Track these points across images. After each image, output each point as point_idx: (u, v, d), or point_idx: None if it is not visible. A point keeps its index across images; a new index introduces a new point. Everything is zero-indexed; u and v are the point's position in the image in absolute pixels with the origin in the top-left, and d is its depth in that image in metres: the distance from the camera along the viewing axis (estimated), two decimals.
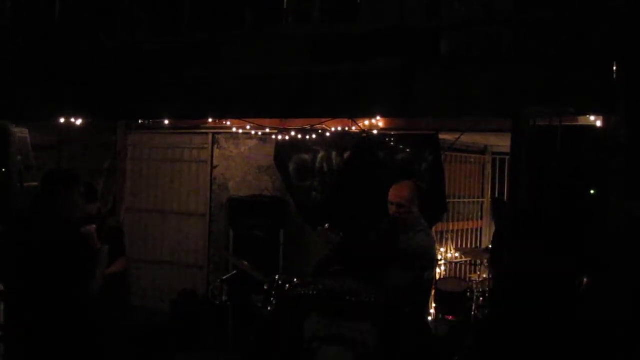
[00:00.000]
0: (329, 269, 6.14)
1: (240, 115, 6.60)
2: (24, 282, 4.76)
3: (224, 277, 7.18)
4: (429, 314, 6.97)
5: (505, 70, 4.93)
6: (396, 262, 5.24)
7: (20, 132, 6.60)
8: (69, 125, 6.83)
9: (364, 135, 7.71)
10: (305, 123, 7.83)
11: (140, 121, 8.81)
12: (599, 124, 5.15)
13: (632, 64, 4.65)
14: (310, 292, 3.63)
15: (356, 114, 6.15)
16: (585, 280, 4.96)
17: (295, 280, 6.27)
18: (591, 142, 4.89)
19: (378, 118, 7.16)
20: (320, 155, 8.02)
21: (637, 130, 4.60)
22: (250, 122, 8.03)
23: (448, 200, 8.10)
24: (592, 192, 4.77)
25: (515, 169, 5.04)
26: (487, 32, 5.05)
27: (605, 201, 4.75)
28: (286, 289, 5.84)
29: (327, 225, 5.69)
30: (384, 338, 3.41)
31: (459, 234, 8.96)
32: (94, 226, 5.16)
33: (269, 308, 6.29)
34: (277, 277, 6.42)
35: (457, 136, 7.58)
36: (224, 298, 6.92)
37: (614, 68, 4.67)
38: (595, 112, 4.86)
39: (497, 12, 5.21)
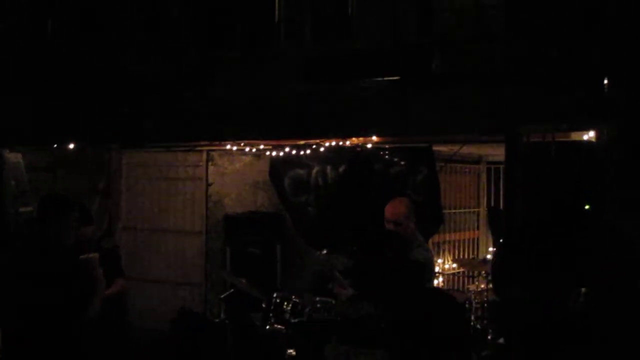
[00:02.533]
0: (327, 285, 6.15)
1: (234, 139, 6.58)
2: (20, 309, 4.75)
3: (222, 296, 7.17)
4: None
5: (498, 88, 4.94)
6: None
7: (14, 157, 6.60)
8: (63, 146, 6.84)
9: (358, 149, 7.71)
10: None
11: None
12: (587, 138, 5.17)
13: (625, 80, 4.66)
14: (331, 318, 3.65)
15: (350, 134, 6.14)
16: (583, 292, 4.97)
17: (292, 300, 6.28)
18: (585, 158, 4.91)
19: None
20: (315, 170, 8.01)
21: (630, 145, 4.61)
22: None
23: (444, 211, 8.10)
24: (587, 207, 4.78)
25: (509, 186, 5.06)
26: (479, 49, 5.06)
27: (600, 216, 4.76)
28: (307, 311, 5.81)
29: (324, 251, 5.69)
30: None
31: (456, 244, 8.96)
32: (97, 254, 5.17)
33: (267, 327, 6.29)
34: (275, 295, 6.42)
35: (450, 147, 7.59)
36: (222, 316, 6.91)
37: (606, 83, 4.69)
38: (589, 128, 4.88)
39: (488, 28, 5.23)
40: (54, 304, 4.70)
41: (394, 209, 5.96)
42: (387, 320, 3.60)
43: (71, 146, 6.71)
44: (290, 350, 5.94)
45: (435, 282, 7.72)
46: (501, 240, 6.20)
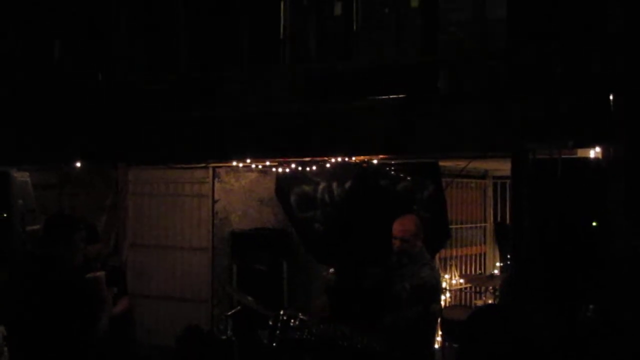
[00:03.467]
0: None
1: (240, 156, 6.58)
2: (28, 328, 4.76)
3: (229, 313, 7.15)
4: (436, 343, 6.93)
5: (503, 105, 4.94)
6: (389, 307, 5.28)
7: (21, 176, 6.63)
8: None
9: (364, 164, 7.70)
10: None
11: None
12: (594, 155, 5.16)
13: (631, 94, 4.66)
14: (305, 337, 3.64)
15: (354, 152, 6.14)
16: (591, 308, 4.96)
17: (298, 317, 6.25)
18: (592, 175, 4.89)
19: None
20: (321, 186, 8.00)
21: (637, 161, 4.60)
22: None
23: (450, 227, 8.08)
24: (594, 224, 4.77)
25: (516, 204, 5.04)
26: (483, 67, 5.06)
27: (607, 232, 4.74)
28: (290, 325, 5.81)
29: (331, 270, 5.68)
30: None
31: (463, 259, 8.94)
32: (103, 272, 5.18)
33: (273, 344, 6.27)
34: (281, 312, 6.39)
35: (456, 162, 7.59)
36: (229, 333, 6.89)
37: (612, 99, 4.69)
38: (594, 144, 4.87)
39: (493, 43, 5.24)
40: (62, 323, 4.70)
41: (402, 225, 5.94)
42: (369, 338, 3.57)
43: (78, 165, 6.74)
44: None
45: (443, 297, 7.71)
46: (509, 256, 6.19)
